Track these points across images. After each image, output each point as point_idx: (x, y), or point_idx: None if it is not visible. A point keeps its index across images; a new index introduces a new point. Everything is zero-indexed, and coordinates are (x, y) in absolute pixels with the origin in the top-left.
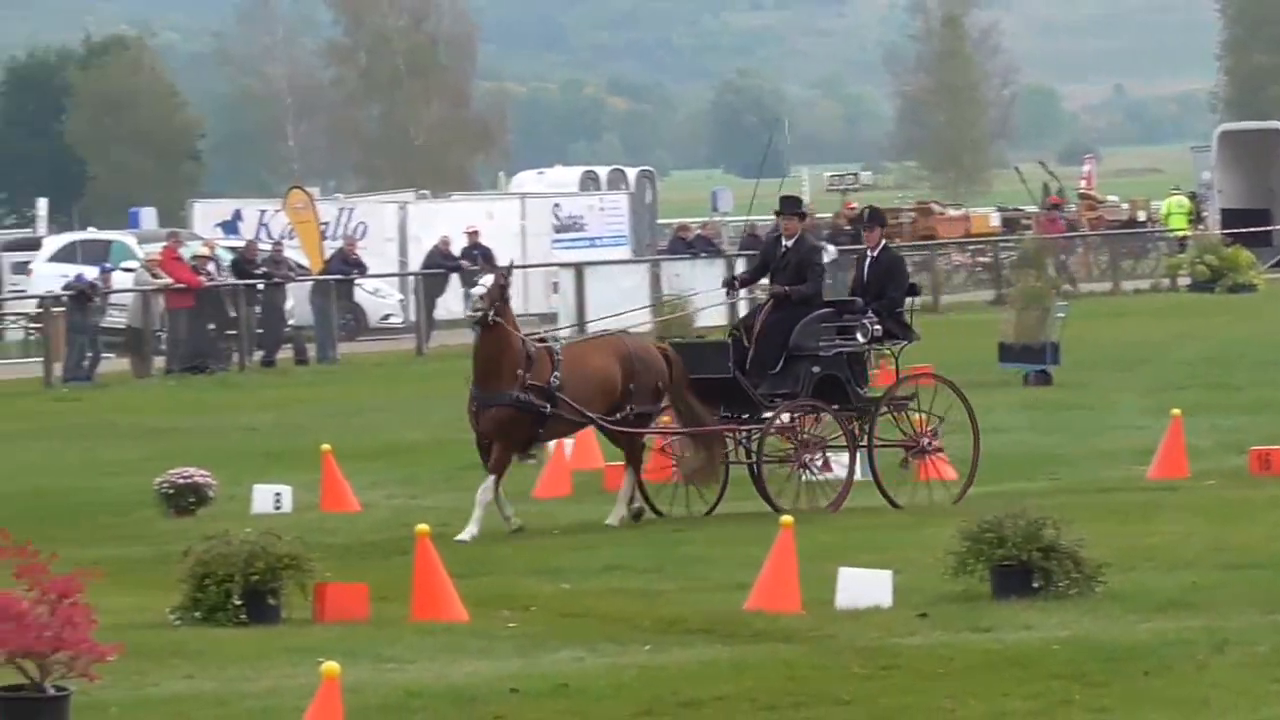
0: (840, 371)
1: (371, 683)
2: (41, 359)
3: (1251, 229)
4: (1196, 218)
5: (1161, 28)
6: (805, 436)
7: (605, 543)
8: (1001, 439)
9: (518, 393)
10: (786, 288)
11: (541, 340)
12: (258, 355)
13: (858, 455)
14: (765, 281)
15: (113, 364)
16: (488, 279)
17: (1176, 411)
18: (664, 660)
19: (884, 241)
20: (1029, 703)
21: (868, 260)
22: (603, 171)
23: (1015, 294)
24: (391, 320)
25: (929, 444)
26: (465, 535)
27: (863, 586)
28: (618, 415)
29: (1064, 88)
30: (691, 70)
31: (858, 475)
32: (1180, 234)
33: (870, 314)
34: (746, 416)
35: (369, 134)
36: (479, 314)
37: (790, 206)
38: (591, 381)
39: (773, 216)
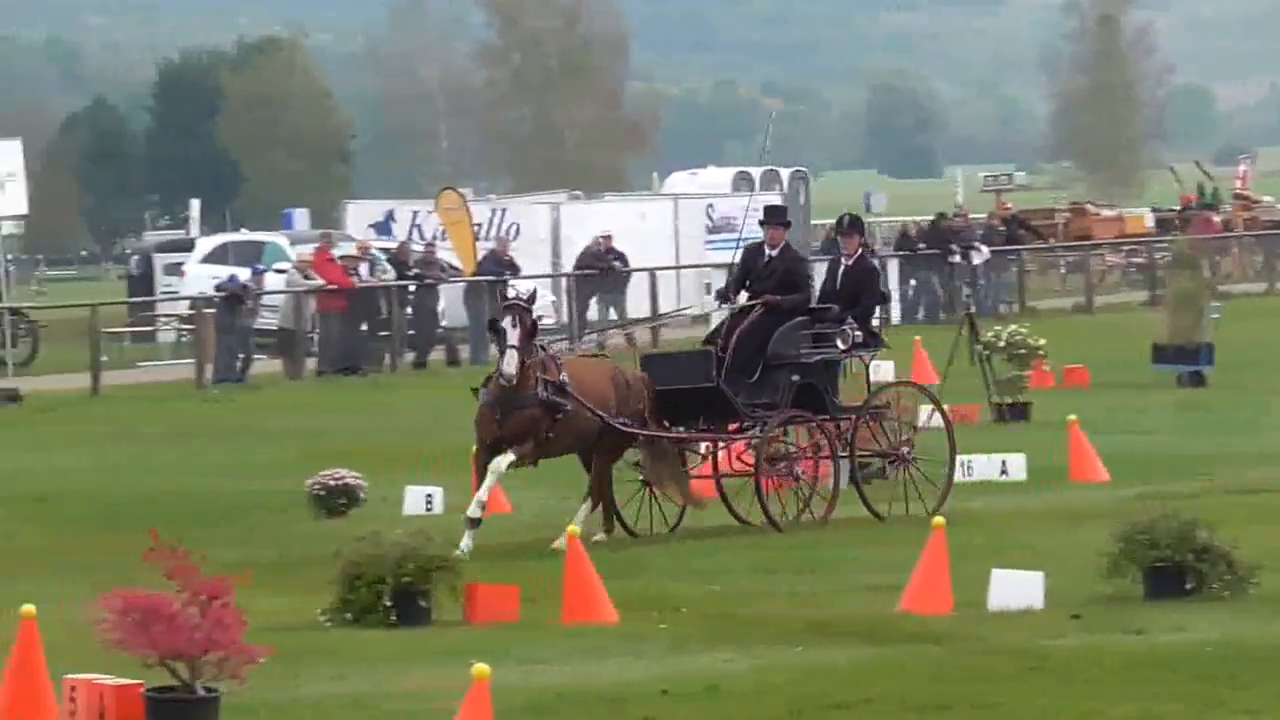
0: (819, 380)
1: (521, 684)
2: (193, 360)
3: None
4: None
5: None
6: (792, 449)
7: (754, 545)
8: (1153, 440)
9: (541, 392)
10: (779, 297)
11: (543, 348)
12: (409, 356)
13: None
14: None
15: (265, 365)
16: (511, 361)
17: None
18: (813, 662)
19: (861, 250)
20: (1179, 705)
21: (842, 267)
22: (756, 172)
23: (1169, 295)
24: (544, 322)
25: (908, 453)
26: (462, 548)
27: (1014, 588)
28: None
29: (1219, 87)
30: (845, 70)
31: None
32: None
33: (850, 321)
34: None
35: (521, 135)
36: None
37: (776, 216)
38: (590, 396)
39: (929, 216)
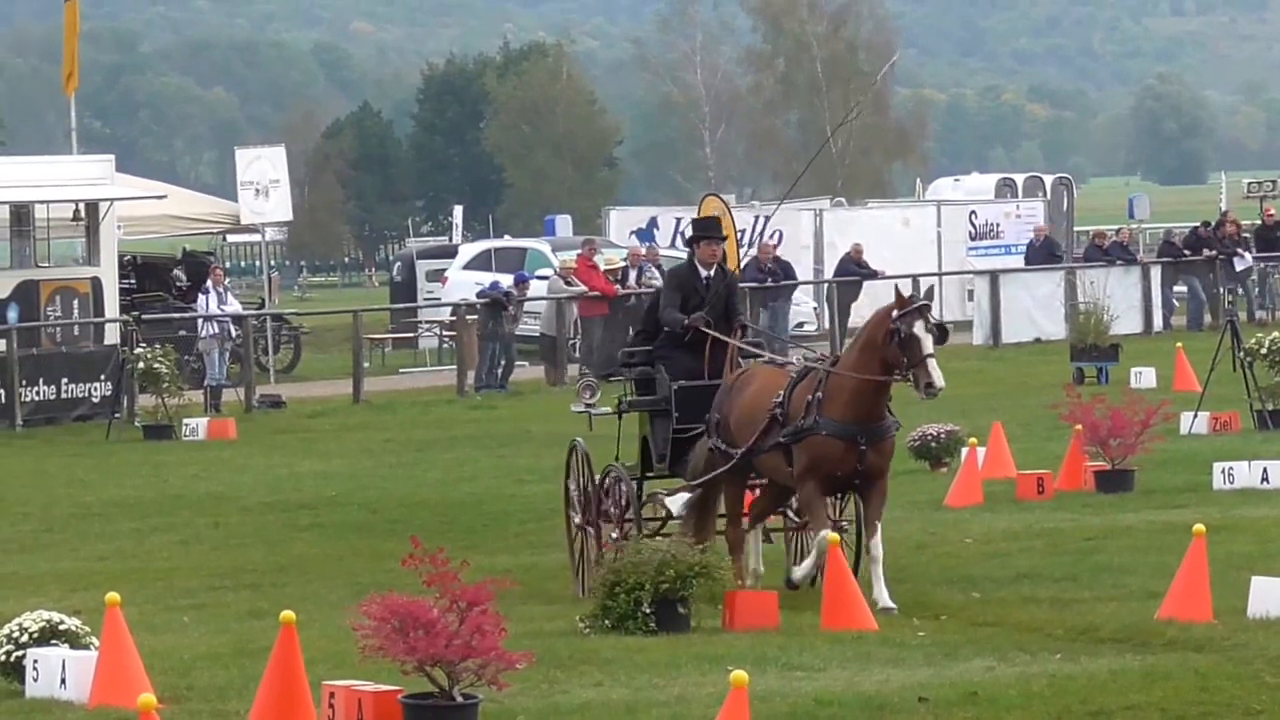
0: None
1: (780, 691)
2: (454, 367)
3: None
4: None
5: None
6: None
7: (1017, 551)
8: None
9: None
10: (747, 323)
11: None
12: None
13: None
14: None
15: (526, 372)
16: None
17: None
18: (1074, 669)
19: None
20: None
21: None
22: (1019, 179)
23: None
24: (805, 327)
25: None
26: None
27: (1276, 596)
28: None
29: None
30: (1112, 76)
31: None
32: None
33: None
34: None
35: (787, 140)
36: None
37: (710, 229)
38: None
39: (1195, 223)
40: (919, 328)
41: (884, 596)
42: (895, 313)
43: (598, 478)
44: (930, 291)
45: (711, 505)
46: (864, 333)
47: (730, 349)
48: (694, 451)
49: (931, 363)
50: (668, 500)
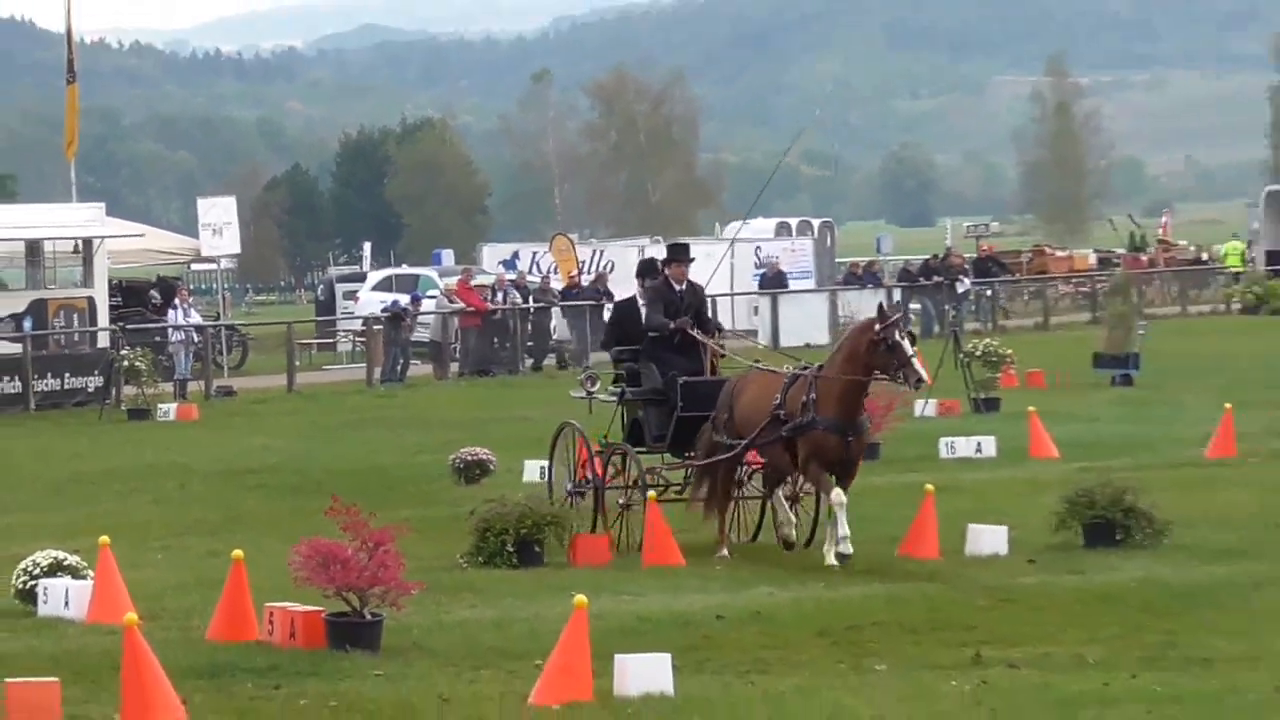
0: None
1: (612, 611)
2: (364, 365)
3: None
4: (1247, 258)
5: (1226, 110)
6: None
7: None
8: (1094, 426)
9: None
10: (721, 327)
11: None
12: (529, 362)
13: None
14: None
15: (418, 369)
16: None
17: (1228, 405)
18: (834, 594)
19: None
20: (1113, 629)
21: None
22: (794, 222)
23: (1107, 316)
24: None
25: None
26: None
27: (986, 539)
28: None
29: (1148, 158)
30: (866, 144)
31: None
32: (1235, 270)
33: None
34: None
35: (616, 194)
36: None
37: (680, 254)
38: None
39: (927, 255)
40: (899, 335)
41: (846, 544)
42: (878, 326)
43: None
44: (897, 306)
45: (714, 483)
46: (845, 345)
47: (709, 347)
48: (700, 439)
49: (916, 362)
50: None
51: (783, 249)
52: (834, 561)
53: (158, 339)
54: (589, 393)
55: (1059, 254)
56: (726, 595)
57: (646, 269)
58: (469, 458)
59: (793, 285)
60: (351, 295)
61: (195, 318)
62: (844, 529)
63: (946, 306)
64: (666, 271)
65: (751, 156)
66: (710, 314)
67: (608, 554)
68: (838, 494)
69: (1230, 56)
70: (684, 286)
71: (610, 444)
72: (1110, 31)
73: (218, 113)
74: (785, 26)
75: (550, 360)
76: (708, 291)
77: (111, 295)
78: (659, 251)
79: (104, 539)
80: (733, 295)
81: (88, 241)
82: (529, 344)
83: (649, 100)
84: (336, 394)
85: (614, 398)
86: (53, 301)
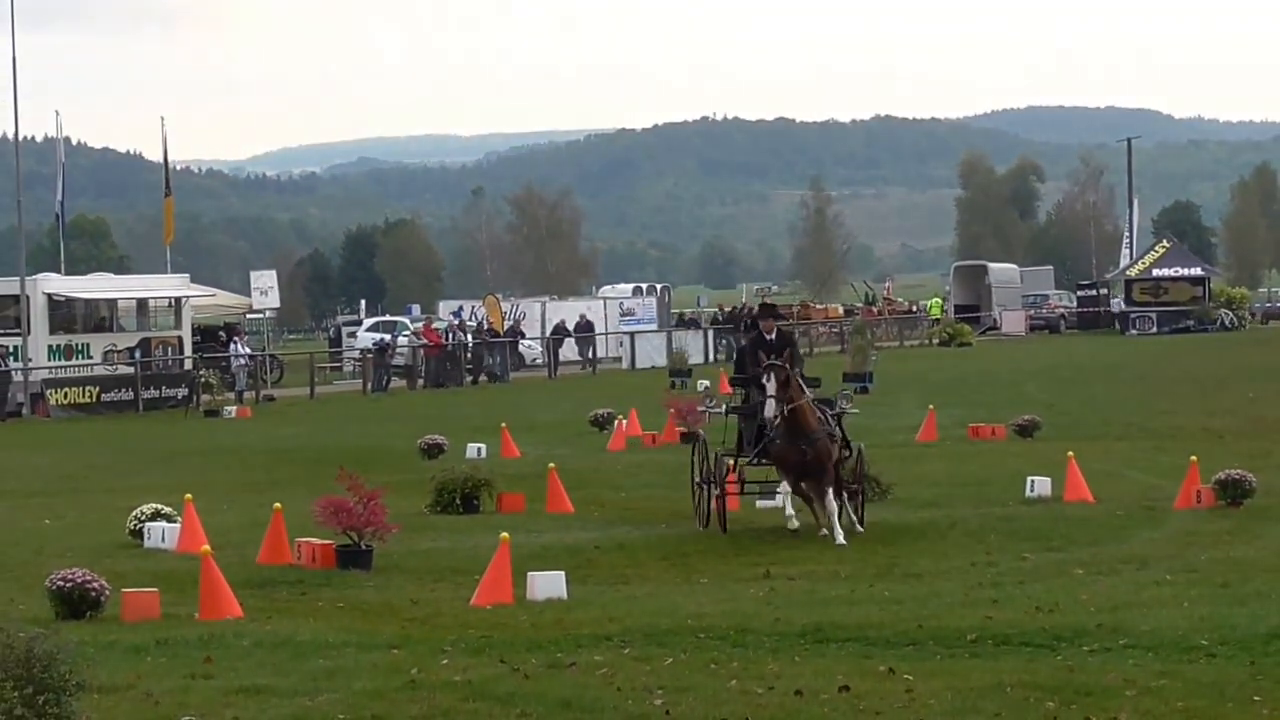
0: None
1: (526, 543)
2: (360, 380)
3: (969, 315)
4: (944, 309)
5: (928, 213)
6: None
7: (646, 471)
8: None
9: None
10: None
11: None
12: (469, 379)
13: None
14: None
15: (397, 383)
16: (770, 408)
17: (931, 406)
18: (672, 533)
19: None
20: (856, 554)
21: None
22: (644, 286)
23: (851, 347)
24: (535, 361)
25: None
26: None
27: (777, 497)
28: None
29: (875, 244)
30: (691, 236)
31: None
32: (935, 318)
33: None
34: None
35: (527, 268)
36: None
37: (768, 313)
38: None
39: (730, 307)
40: (763, 379)
41: (838, 535)
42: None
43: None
44: (787, 356)
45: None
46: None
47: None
48: None
49: (766, 404)
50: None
51: (637, 304)
52: (841, 541)
53: (224, 364)
54: (710, 408)
55: (818, 306)
56: (600, 533)
57: (751, 324)
58: (430, 442)
59: (643, 328)
60: (352, 334)
61: (247, 350)
62: (835, 528)
63: (742, 341)
64: (761, 325)
65: (615, 245)
66: (795, 356)
67: (523, 504)
68: (784, 485)
69: (929, 178)
70: (773, 335)
71: (717, 451)
72: (849, 161)
73: (263, 215)
74: (635, 159)
75: (484, 378)
76: (600, 331)
77: (194, 335)
78: (558, 308)
79: (188, 496)
80: (606, 334)
81: (178, 299)
82: (469, 366)
83: (547, 207)
84: (342, 400)
85: (720, 411)
86: (154, 339)
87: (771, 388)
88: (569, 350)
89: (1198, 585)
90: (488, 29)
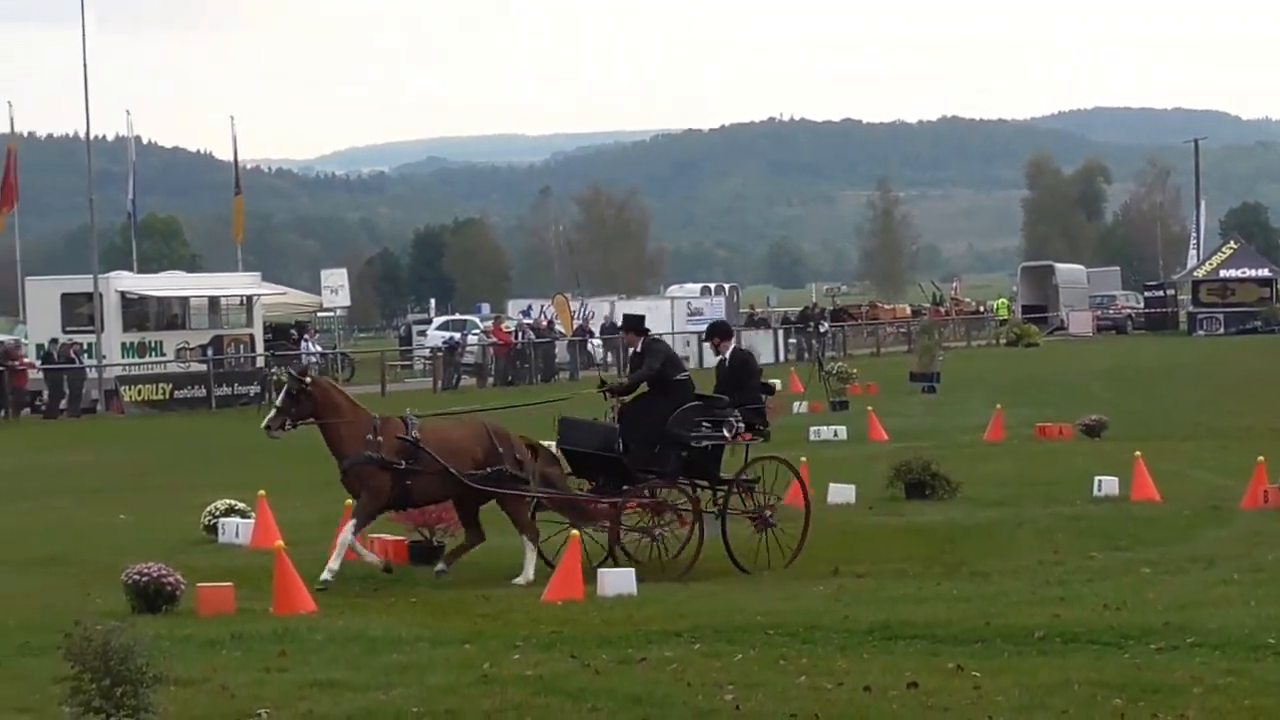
0: (705, 456)
1: (592, 542)
2: (431, 378)
3: (1036, 316)
4: (1011, 310)
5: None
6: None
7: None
8: (910, 420)
9: (372, 453)
10: (623, 380)
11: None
12: (539, 377)
13: (712, 522)
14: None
15: (467, 382)
16: (266, 418)
17: (998, 406)
18: (742, 530)
19: (735, 347)
20: (924, 552)
21: (721, 363)
22: (712, 286)
23: (918, 347)
24: (603, 360)
25: (770, 516)
26: (325, 575)
27: (840, 493)
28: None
29: (942, 245)
30: (757, 235)
31: (713, 535)
32: (1002, 318)
33: (735, 412)
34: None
35: (594, 268)
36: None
37: (632, 323)
38: (451, 442)
39: (800, 307)
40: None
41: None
42: None
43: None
44: (304, 371)
45: None
46: None
47: None
48: None
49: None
50: None
51: (705, 304)
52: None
53: (295, 361)
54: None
55: (886, 306)
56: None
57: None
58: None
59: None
60: (422, 333)
61: (319, 348)
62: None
63: (813, 341)
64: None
65: (682, 245)
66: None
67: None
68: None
69: (995, 179)
70: (637, 350)
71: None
72: (916, 162)
73: (333, 215)
74: (703, 160)
75: (557, 376)
76: (663, 331)
77: (265, 333)
78: (625, 306)
79: (261, 492)
80: (673, 334)
81: (249, 298)
82: (540, 365)
83: (615, 207)
84: (413, 398)
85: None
86: (227, 337)
87: (279, 401)
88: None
89: (1265, 584)
90: (554, 30)
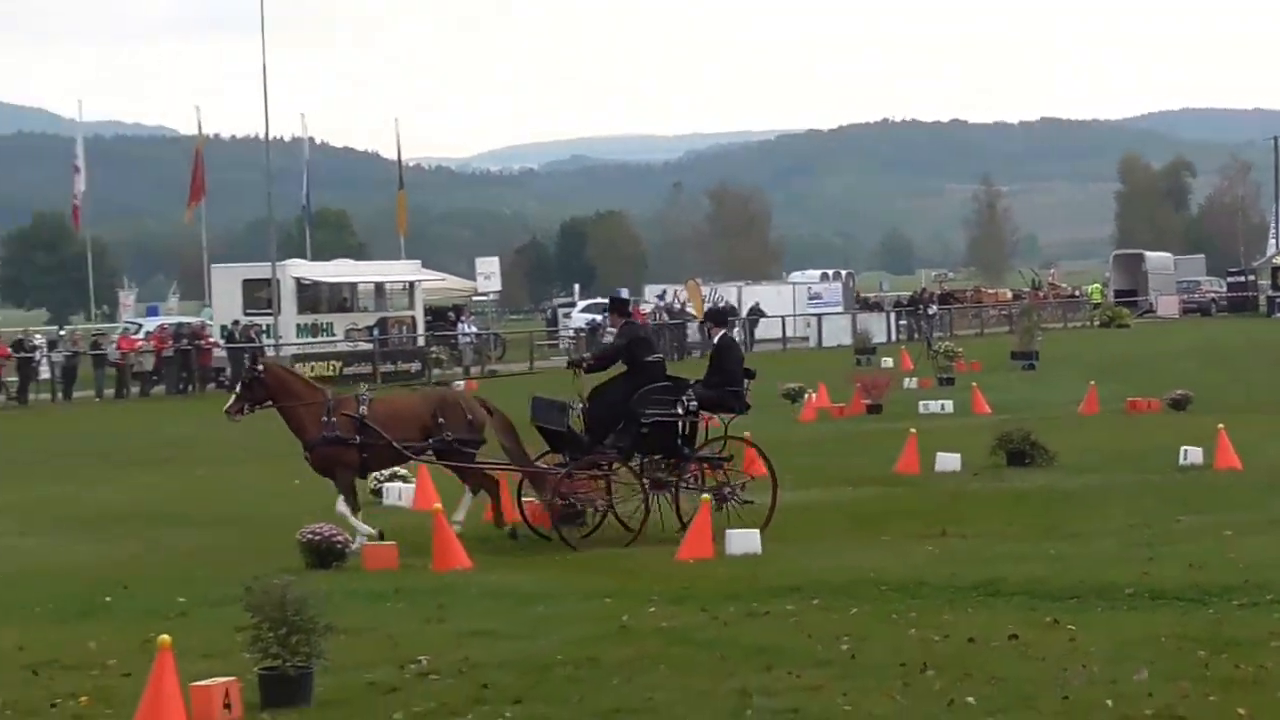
0: (662, 432)
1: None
2: (567, 355)
3: (1127, 299)
4: (1104, 294)
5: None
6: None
7: (831, 441)
8: (1010, 394)
9: (326, 433)
10: (584, 357)
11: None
12: (676, 356)
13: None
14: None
15: None
16: (229, 404)
17: (1092, 382)
18: (857, 494)
19: (722, 333)
20: (1024, 515)
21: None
22: (830, 272)
23: (1018, 328)
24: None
25: (730, 493)
26: (356, 543)
27: (947, 461)
28: (434, 440)
29: (1041, 235)
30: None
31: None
32: (1096, 302)
33: (689, 391)
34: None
35: (723, 255)
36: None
37: (615, 307)
38: (400, 415)
39: (910, 292)
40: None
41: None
42: None
43: None
44: (255, 359)
45: None
46: None
47: None
48: None
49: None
50: None
51: (824, 289)
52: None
53: (453, 341)
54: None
55: (989, 291)
56: (790, 495)
57: (714, 316)
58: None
59: (828, 311)
60: (567, 315)
61: (473, 328)
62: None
63: (923, 322)
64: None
65: (802, 234)
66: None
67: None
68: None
69: (1090, 174)
70: (615, 330)
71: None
72: (1016, 159)
73: (486, 208)
74: (819, 157)
75: (690, 354)
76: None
77: (425, 315)
78: (753, 292)
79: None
80: (794, 315)
81: (411, 284)
82: (674, 344)
83: (740, 200)
84: (560, 374)
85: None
86: (391, 319)
87: (238, 389)
88: (763, 330)
89: None
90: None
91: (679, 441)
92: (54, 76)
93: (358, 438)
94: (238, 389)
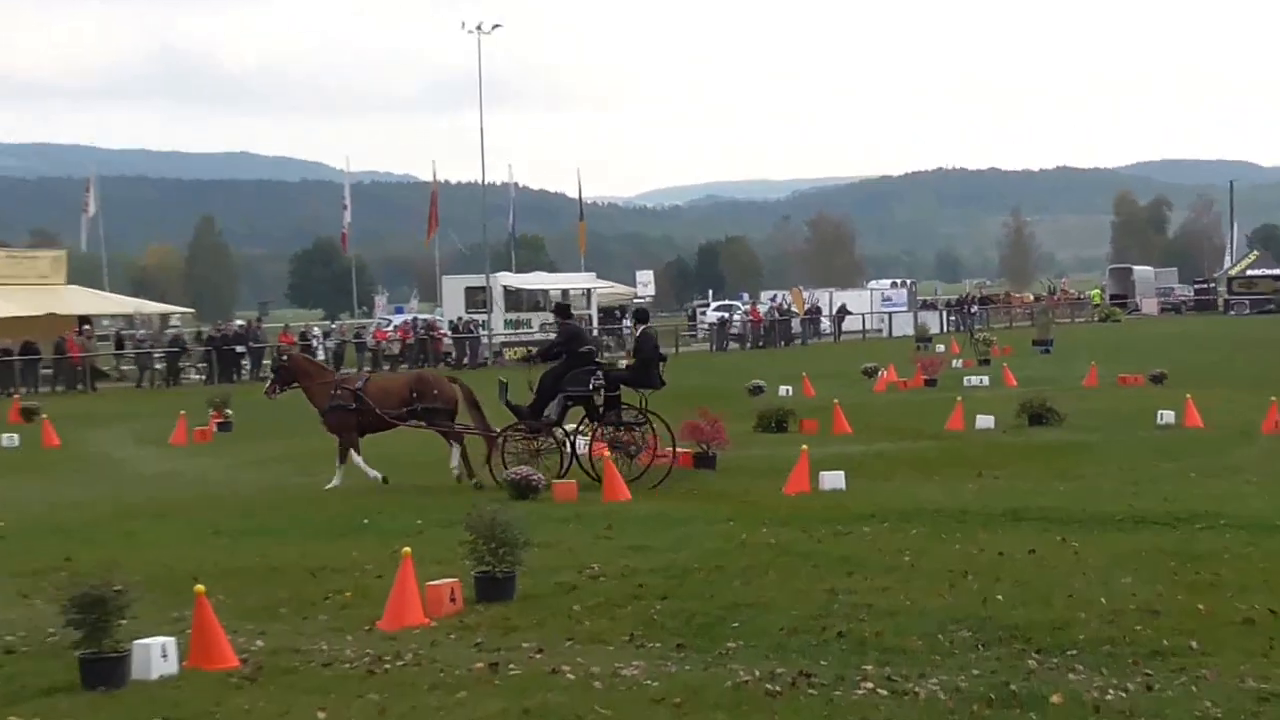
0: (589, 402)
1: (819, 453)
2: (708, 344)
3: (1119, 301)
4: (1102, 297)
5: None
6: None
7: (918, 404)
8: (1032, 372)
9: (331, 403)
10: (534, 352)
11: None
12: (782, 343)
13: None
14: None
15: (733, 346)
16: (268, 386)
17: (1094, 363)
18: (912, 446)
19: (643, 328)
20: (1041, 463)
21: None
22: (898, 280)
23: (1037, 322)
24: (826, 331)
25: (633, 450)
26: (373, 474)
27: (983, 421)
28: (411, 409)
29: (1056, 253)
30: (929, 246)
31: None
32: (1096, 303)
33: (599, 373)
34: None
35: (819, 270)
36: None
37: (559, 312)
38: (386, 391)
39: (955, 296)
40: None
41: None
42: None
43: None
44: (281, 352)
45: None
46: None
47: None
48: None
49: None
50: None
51: (894, 293)
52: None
53: (618, 333)
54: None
55: (1016, 295)
56: (867, 446)
57: (637, 316)
58: (755, 384)
59: (896, 310)
60: (703, 312)
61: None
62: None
63: (966, 318)
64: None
65: (876, 254)
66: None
67: (817, 428)
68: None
69: (1091, 207)
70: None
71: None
72: (1038, 196)
73: (644, 233)
74: (891, 194)
75: (794, 342)
76: (851, 309)
77: (598, 313)
78: (840, 295)
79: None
80: (871, 313)
81: (589, 290)
82: (782, 335)
83: (832, 227)
84: (696, 357)
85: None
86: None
87: (274, 377)
88: (848, 324)
89: (1277, 485)
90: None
91: (598, 409)
92: (330, 139)
93: (353, 405)
94: (272, 374)
